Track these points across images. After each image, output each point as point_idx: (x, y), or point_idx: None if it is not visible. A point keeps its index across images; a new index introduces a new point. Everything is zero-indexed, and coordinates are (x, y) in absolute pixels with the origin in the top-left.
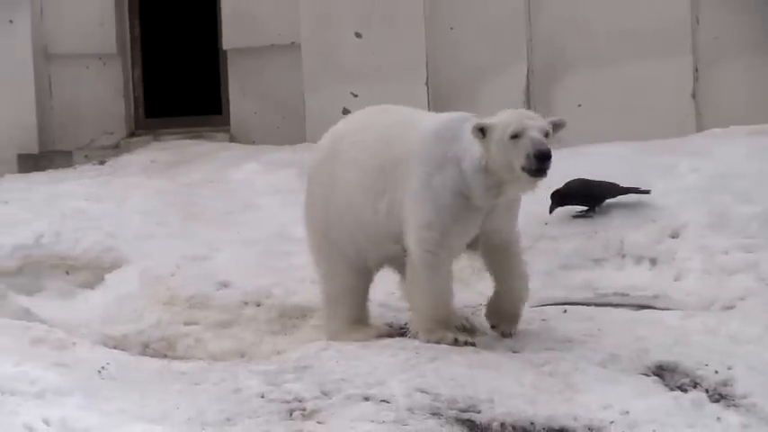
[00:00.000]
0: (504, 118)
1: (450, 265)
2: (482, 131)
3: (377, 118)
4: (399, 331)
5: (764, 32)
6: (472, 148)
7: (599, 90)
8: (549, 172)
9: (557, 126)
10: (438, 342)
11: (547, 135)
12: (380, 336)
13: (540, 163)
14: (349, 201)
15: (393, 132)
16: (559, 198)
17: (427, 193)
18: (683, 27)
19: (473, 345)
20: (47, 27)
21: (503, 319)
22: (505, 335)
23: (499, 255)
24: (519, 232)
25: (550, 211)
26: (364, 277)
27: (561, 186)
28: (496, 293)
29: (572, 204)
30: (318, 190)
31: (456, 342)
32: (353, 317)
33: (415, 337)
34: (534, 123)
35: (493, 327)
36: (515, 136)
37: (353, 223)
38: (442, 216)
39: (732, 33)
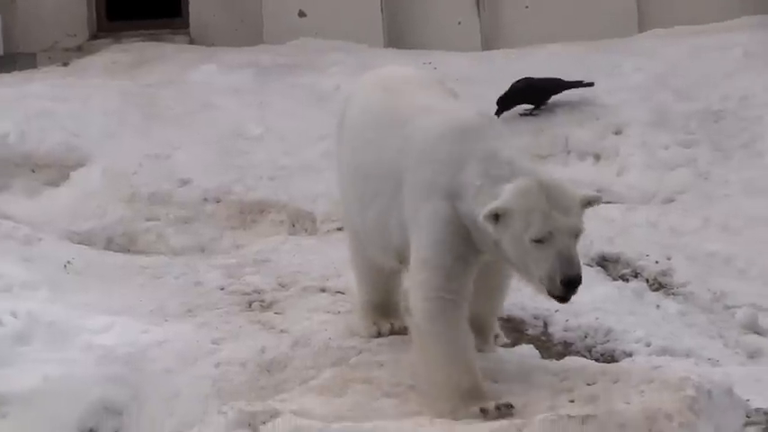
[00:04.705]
0: (526, 203)
1: (462, 315)
2: (496, 218)
3: (384, 95)
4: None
5: None
6: (476, 197)
7: None
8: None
9: (590, 204)
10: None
11: (577, 236)
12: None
13: (566, 291)
14: (345, 186)
15: (392, 124)
16: (505, 102)
17: (421, 222)
18: None
19: (511, 407)
20: None
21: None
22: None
23: (488, 270)
24: None
25: (497, 116)
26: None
27: (506, 90)
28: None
29: (519, 104)
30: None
31: (491, 413)
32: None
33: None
34: (565, 223)
35: None
36: (539, 240)
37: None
38: (441, 253)
39: None
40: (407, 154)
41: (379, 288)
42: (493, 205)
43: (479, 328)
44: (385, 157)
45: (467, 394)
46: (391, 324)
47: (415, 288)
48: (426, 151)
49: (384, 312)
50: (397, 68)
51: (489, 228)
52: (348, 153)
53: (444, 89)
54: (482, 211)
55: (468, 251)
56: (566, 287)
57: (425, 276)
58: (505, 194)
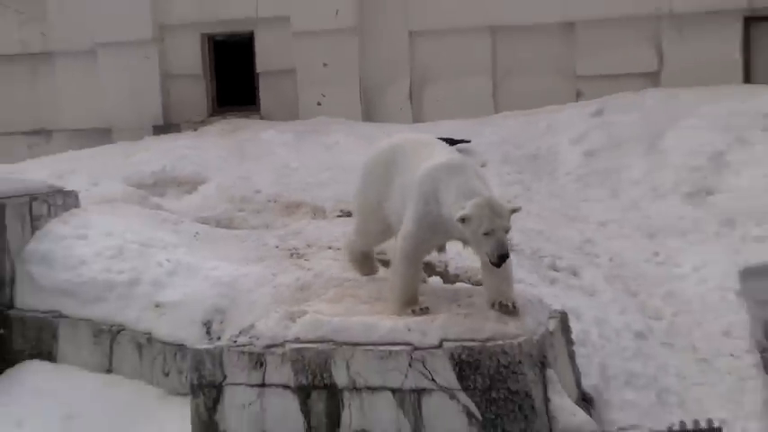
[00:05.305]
0: (479, 212)
1: (421, 260)
2: (463, 220)
3: (420, 147)
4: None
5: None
6: (453, 206)
7: (448, 93)
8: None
9: (514, 212)
10: (407, 315)
11: (507, 231)
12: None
13: (499, 260)
14: (394, 196)
15: (419, 162)
16: None
17: (414, 212)
18: (486, 58)
19: (428, 309)
20: (167, 58)
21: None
22: (507, 309)
23: (492, 270)
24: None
25: None
26: (386, 237)
27: None
28: (487, 289)
29: None
30: (376, 177)
31: (414, 313)
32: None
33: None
34: (500, 224)
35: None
36: (487, 233)
37: (390, 212)
38: (421, 231)
39: (521, 59)
40: (417, 176)
41: (368, 248)
42: (461, 213)
43: (500, 302)
44: (411, 180)
45: (408, 302)
46: (368, 267)
47: (398, 247)
48: (431, 174)
49: (364, 261)
50: (417, 134)
51: (459, 225)
52: (398, 179)
53: (442, 144)
54: (456, 215)
55: (435, 233)
56: (500, 258)
57: (405, 242)
58: (468, 207)
